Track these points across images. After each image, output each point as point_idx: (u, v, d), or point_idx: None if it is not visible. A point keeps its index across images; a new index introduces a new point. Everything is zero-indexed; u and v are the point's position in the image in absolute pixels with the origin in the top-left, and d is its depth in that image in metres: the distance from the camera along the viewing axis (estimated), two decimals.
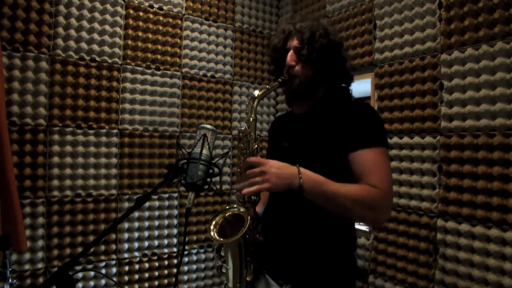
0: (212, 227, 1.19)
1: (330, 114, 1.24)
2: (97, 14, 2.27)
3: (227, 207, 1.23)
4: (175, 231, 2.57)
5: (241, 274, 1.18)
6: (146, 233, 2.46)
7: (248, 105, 1.21)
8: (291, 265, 1.23)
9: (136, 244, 2.42)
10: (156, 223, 2.50)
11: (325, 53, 1.22)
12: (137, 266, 2.42)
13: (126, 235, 2.39)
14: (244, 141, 1.20)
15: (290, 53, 1.25)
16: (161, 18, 2.51)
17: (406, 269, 1.92)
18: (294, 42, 1.26)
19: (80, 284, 2.22)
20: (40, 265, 2.10)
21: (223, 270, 1.23)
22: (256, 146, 1.18)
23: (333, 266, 1.22)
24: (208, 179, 1.14)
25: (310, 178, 1.08)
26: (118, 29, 2.34)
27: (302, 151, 1.24)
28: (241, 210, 1.19)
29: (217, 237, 1.17)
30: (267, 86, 1.23)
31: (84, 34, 2.23)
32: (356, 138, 1.16)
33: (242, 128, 1.21)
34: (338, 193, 1.08)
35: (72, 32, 2.19)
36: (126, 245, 2.38)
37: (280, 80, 1.24)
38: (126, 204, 2.39)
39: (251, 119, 1.20)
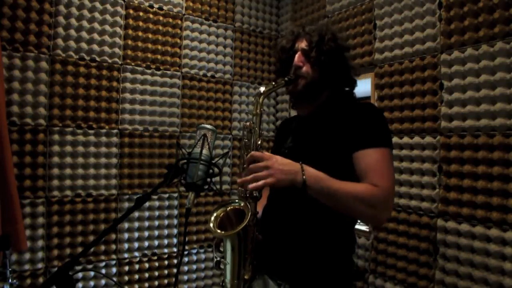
0: (213, 218, 1.19)
1: (334, 116, 1.25)
2: (97, 14, 2.27)
3: (229, 201, 1.24)
4: (175, 231, 2.57)
5: (239, 270, 1.18)
6: (146, 233, 2.46)
7: (254, 101, 1.22)
8: (289, 264, 1.23)
9: (136, 244, 2.42)
10: (156, 223, 2.50)
11: (332, 57, 1.24)
12: (137, 266, 2.42)
13: (126, 235, 2.39)
14: (248, 136, 1.21)
15: (298, 54, 1.27)
16: (161, 18, 2.50)
17: (406, 269, 1.92)
18: (303, 44, 1.28)
19: (80, 284, 2.22)
20: (40, 265, 2.10)
21: (221, 266, 1.23)
22: (260, 141, 1.19)
23: (331, 267, 1.22)
24: (208, 179, 1.14)
25: (313, 174, 1.09)
26: (118, 29, 2.34)
27: (305, 151, 1.25)
28: (242, 204, 1.19)
29: (217, 230, 1.18)
30: (274, 83, 1.25)
31: (84, 34, 2.23)
32: (359, 138, 1.16)
33: (247, 123, 1.22)
34: (340, 190, 1.09)
35: (72, 32, 2.19)
36: (126, 245, 2.38)
37: (286, 79, 1.26)
38: (126, 204, 2.38)
39: (256, 115, 1.20)
